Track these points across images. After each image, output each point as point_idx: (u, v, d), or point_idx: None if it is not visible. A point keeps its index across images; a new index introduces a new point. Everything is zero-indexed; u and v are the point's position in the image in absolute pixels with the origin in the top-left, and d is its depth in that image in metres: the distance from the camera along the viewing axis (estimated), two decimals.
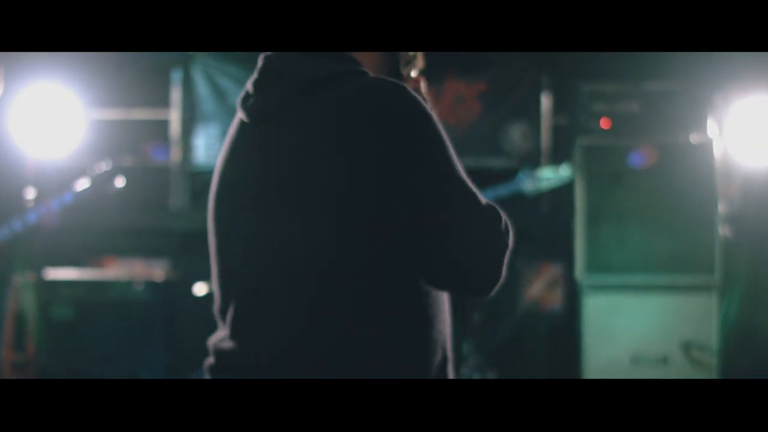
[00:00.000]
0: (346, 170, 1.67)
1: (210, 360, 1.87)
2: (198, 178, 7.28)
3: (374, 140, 1.66)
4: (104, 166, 4.71)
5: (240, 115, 1.89)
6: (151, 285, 6.14)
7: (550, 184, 5.21)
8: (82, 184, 4.67)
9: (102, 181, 4.66)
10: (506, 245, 1.72)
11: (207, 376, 1.87)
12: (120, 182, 4.72)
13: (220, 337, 1.85)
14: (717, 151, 5.62)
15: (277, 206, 1.74)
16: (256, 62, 2.04)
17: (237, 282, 1.82)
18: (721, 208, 5.73)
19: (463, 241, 1.68)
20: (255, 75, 1.89)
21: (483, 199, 1.71)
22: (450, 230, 1.67)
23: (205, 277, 6.31)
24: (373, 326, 1.72)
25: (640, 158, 5.65)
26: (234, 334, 1.80)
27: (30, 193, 4.66)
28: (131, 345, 5.93)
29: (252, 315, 1.79)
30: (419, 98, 1.69)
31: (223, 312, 1.85)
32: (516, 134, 6.99)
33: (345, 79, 1.73)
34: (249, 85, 1.88)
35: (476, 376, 5.77)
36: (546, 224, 6.67)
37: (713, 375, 5.43)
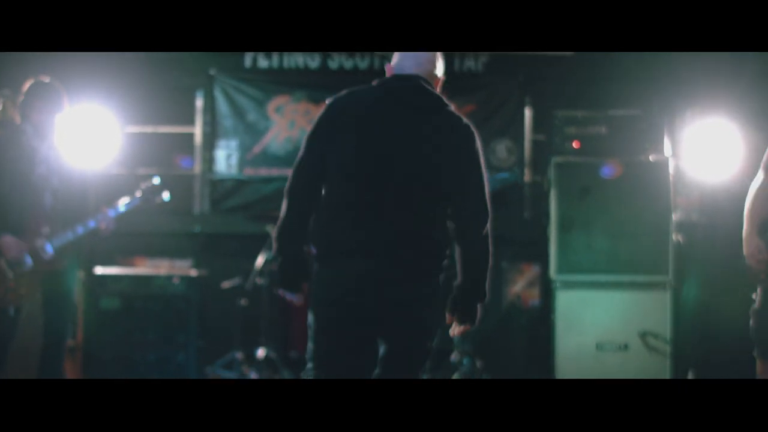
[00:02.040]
0: (454, 159, 3.18)
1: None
2: (218, 186, 7.65)
3: (468, 150, 3.21)
4: (154, 181, 5.16)
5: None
6: (187, 279, 6.58)
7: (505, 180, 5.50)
8: (135, 195, 5.08)
9: (151, 194, 5.12)
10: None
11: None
12: (166, 195, 5.16)
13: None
14: (672, 168, 6.09)
15: (417, 164, 3.15)
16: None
17: (369, 196, 3.15)
18: (675, 217, 6.17)
19: (481, 202, 3.21)
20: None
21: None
22: (480, 204, 3.21)
23: (226, 274, 6.93)
24: (440, 233, 3.21)
25: (609, 170, 6.08)
26: (358, 226, 3.13)
27: (90, 202, 4.98)
28: (169, 332, 6.40)
29: (380, 223, 3.12)
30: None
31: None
32: (502, 149, 7.52)
33: (448, 107, 3.26)
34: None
35: (465, 361, 6.15)
36: (527, 230, 7.10)
37: (667, 359, 5.91)
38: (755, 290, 4.22)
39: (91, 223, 4.88)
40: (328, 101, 3.28)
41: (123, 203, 5.04)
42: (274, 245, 3.24)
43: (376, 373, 3.22)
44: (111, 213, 4.96)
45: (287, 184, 3.24)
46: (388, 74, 3.34)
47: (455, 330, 3.29)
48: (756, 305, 4.25)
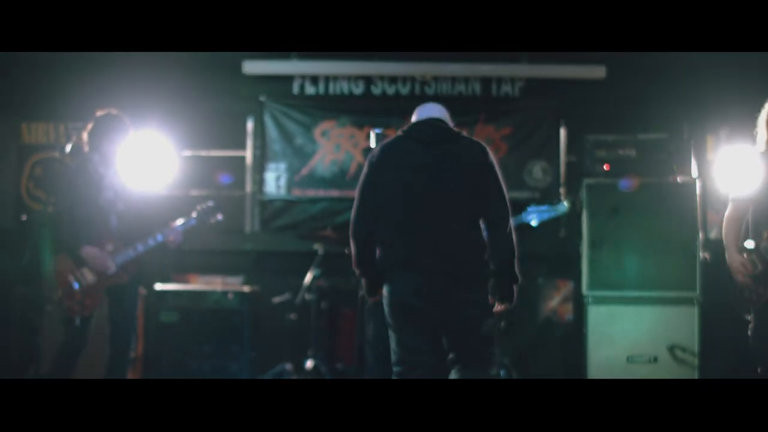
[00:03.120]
0: (473, 174, 3.94)
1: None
2: (268, 206, 7.84)
3: (483, 164, 3.95)
4: (208, 203, 5.49)
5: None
6: (240, 295, 6.84)
7: (550, 216, 5.60)
8: (191, 216, 5.37)
9: (205, 215, 5.44)
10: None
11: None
12: (220, 216, 5.47)
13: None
14: (699, 189, 6.19)
15: (446, 185, 3.91)
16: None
17: (413, 219, 3.93)
18: (702, 235, 6.27)
19: (504, 203, 3.97)
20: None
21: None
22: (501, 203, 3.95)
23: (275, 290, 7.21)
24: (477, 237, 3.94)
25: (626, 184, 6.20)
26: (410, 248, 3.91)
27: (152, 222, 5.27)
28: (224, 344, 6.66)
29: (425, 238, 3.89)
30: None
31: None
32: (537, 170, 7.74)
33: (461, 135, 4.03)
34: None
35: (503, 374, 6.29)
36: (562, 248, 7.20)
37: (695, 372, 5.98)
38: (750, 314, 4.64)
39: (159, 237, 5.20)
40: (367, 158, 4.09)
41: (180, 223, 5.31)
42: (357, 271, 4.11)
43: (450, 358, 3.97)
44: (179, 227, 5.28)
45: (351, 228, 4.07)
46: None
47: (497, 308, 3.99)
48: (752, 326, 4.60)
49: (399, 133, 4.09)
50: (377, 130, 4.78)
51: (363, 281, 4.17)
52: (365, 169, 4.05)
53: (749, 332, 4.66)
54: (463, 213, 3.98)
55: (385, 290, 4.04)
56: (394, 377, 4.01)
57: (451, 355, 3.99)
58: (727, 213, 4.77)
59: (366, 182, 4.04)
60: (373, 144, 4.76)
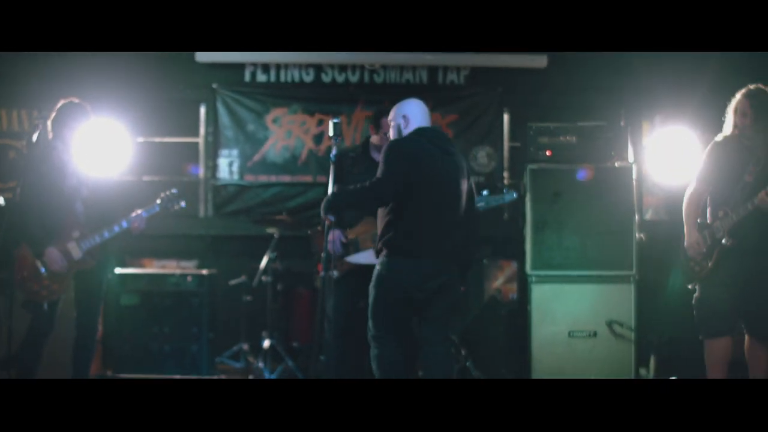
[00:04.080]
0: (467, 180, 4.73)
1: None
2: (221, 191, 7.99)
3: (468, 170, 4.79)
4: (173, 190, 5.54)
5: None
6: (199, 278, 6.94)
7: (497, 203, 5.64)
8: (154, 203, 5.43)
9: (169, 202, 5.50)
10: None
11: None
12: (183, 203, 5.54)
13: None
14: (635, 173, 6.39)
15: (454, 185, 4.62)
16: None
17: (427, 213, 4.56)
18: (637, 217, 6.47)
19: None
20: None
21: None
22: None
23: (229, 273, 7.35)
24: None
25: (583, 174, 6.34)
26: (416, 236, 4.53)
27: (116, 208, 5.34)
28: (183, 325, 6.76)
29: (437, 229, 4.56)
30: None
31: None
32: (482, 155, 8.01)
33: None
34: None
35: (452, 349, 6.19)
36: (506, 230, 7.45)
37: (632, 345, 6.18)
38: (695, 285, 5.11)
39: (124, 224, 5.31)
40: (391, 147, 4.62)
41: (145, 209, 5.41)
42: (330, 213, 4.65)
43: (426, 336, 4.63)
44: (144, 214, 5.38)
45: (370, 195, 4.57)
46: (408, 123, 4.75)
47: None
48: (696, 295, 5.11)
49: (412, 134, 4.70)
50: (335, 120, 4.99)
51: (331, 203, 4.65)
52: (395, 156, 4.55)
53: (693, 301, 5.14)
54: (464, 212, 4.73)
55: (391, 271, 4.54)
56: (376, 345, 4.56)
57: (428, 332, 4.63)
58: (689, 192, 5.22)
59: (398, 170, 4.54)
60: (330, 133, 4.97)
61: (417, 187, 4.55)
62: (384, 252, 4.62)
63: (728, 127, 5.21)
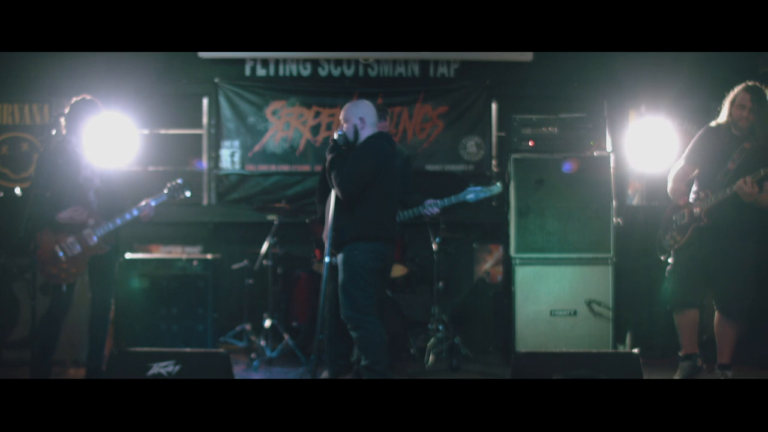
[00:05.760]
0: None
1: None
2: (224, 181, 8.16)
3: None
4: (179, 180, 5.77)
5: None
6: (204, 262, 7.16)
7: (485, 195, 5.65)
8: (162, 192, 5.66)
9: (175, 191, 5.75)
10: None
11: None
12: (188, 192, 5.77)
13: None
14: (613, 162, 6.57)
15: (397, 180, 5.41)
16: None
17: (392, 201, 5.42)
18: (615, 203, 6.59)
19: None
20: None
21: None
22: None
23: (231, 258, 7.65)
24: None
25: (569, 166, 6.51)
26: (389, 222, 5.41)
27: (126, 197, 5.63)
28: (190, 306, 6.94)
29: (391, 216, 5.47)
30: None
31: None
32: (471, 145, 8.21)
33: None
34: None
35: (441, 328, 6.73)
36: (494, 217, 7.53)
37: (609, 323, 6.37)
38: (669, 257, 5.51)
39: (135, 212, 5.59)
40: (375, 149, 5.24)
41: (153, 198, 5.67)
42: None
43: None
44: (153, 202, 5.65)
45: (346, 185, 5.18)
46: (364, 124, 5.32)
47: None
48: (669, 268, 5.53)
49: (378, 137, 5.34)
50: (340, 132, 5.36)
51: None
52: (375, 155, 5.20)
53: (666, 274, 5.54)
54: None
55: (368, 252, 5.15)
56: (361, 326, 5.15)
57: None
58: (675, 169, 5.64)
59: (374, 165, 5.19)
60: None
61: (381, 182, 5.20)
62: (362, 239, 5.22)
63: (723, 116, 5.50)
